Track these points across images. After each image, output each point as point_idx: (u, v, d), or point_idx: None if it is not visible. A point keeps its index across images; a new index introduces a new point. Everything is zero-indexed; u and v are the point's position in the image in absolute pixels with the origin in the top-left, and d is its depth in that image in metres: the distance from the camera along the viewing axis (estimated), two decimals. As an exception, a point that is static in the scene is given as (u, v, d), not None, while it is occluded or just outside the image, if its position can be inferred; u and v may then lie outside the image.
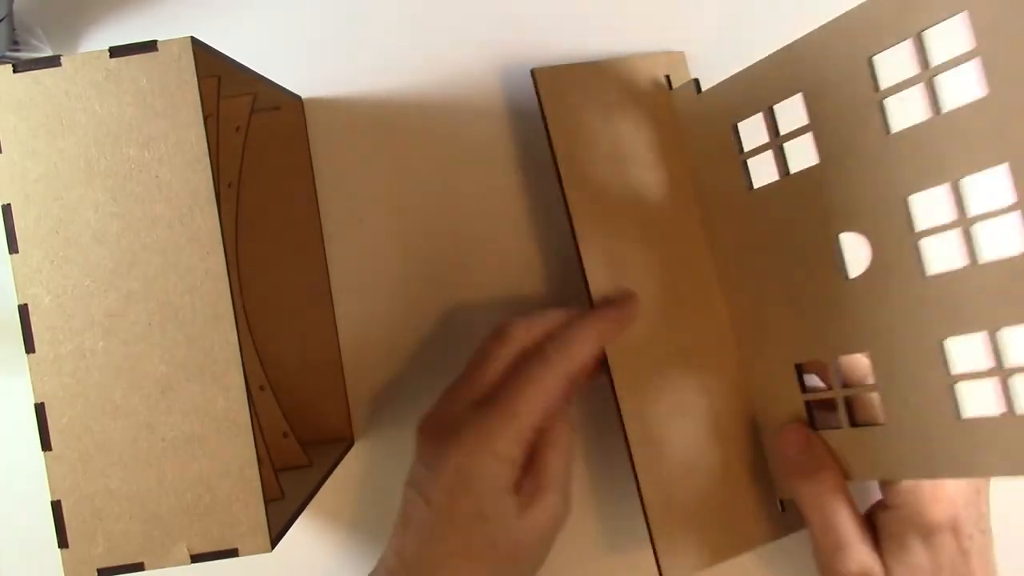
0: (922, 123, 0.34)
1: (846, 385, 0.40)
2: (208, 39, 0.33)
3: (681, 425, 0.43)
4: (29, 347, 0.32)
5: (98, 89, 0.32)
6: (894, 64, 0.35)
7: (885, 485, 0.40)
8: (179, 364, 0.32)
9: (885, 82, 0.35)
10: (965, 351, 0.35)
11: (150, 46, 0.32)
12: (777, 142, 0.41)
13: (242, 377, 0.32)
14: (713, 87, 0.44)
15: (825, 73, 0.37)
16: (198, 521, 0.32)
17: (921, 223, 0.35)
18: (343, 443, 0.49)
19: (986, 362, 0.33)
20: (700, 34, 0.49)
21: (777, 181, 0.41)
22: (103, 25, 0.50)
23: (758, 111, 0.41)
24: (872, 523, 0.41)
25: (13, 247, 0.32)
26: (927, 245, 0.35)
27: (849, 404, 0.40)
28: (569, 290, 0.49)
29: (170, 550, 0.32)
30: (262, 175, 0.47)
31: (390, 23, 0.50)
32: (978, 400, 0.35)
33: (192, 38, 0.32)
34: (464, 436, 0.37)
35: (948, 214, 0.34)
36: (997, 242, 0.33)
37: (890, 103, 0.36)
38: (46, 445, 0.32)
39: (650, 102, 0.47)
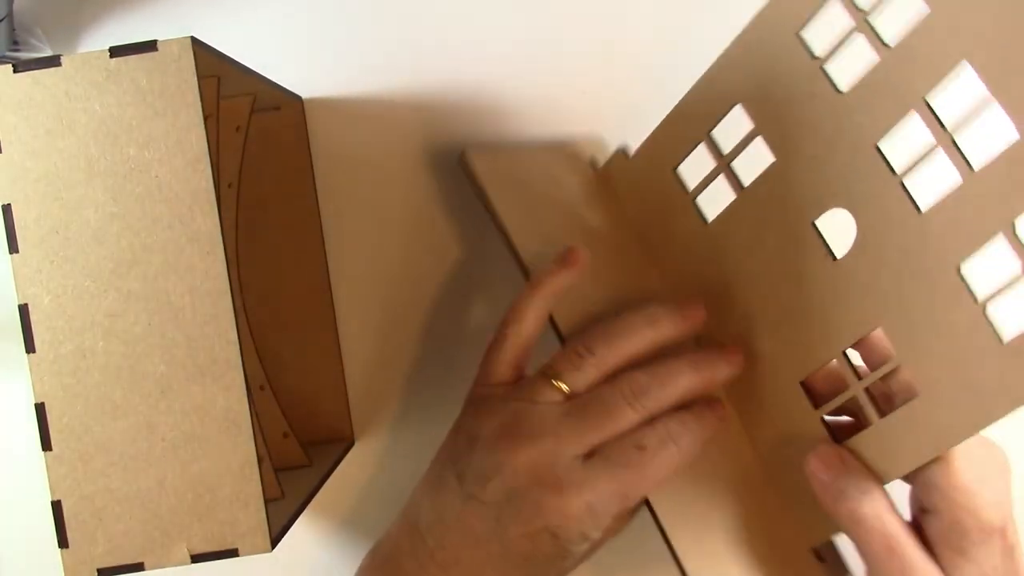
0: (873, 67, 0.34)
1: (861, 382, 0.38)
2: (208, 39, 0.33)
3: (697, 480, 0.41)
4: (29, 347, 0.32)
5: (98, 89, 0.32)
6: (818, 35, 0.37)
7: (926, 488, 0.37)
8: (179, 364, 0.32)
9: (820, 50, 0.36)
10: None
11: (150, 46, 0.32)
12: (724, 161, 0.40)
13: (242, 377, 0.32)
14: (642, 144, 0.44)
15: (757, 73, 0.38)
16: (198, 521, 0.32)
17: (897, 165, 0.35)
18: (343, 443, 0.49)
19: (1010, 269, 0.32)
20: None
21: (734, 201, 0.41)
22: (103, 25, 0.50)
23: (697, 143, 0.41)
24: (918, 532, 0.37)
25: (13, 247, 0.32)
26: (911, 184, 0.35)
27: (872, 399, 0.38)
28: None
29: (170, 550, 0.32)
30: (262, 175, 0.47)
31: (390, 23, 0.50)
32: (1012, 320, 0.33)
33: (192, 38, 0.32)
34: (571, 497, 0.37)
35: (921, 144, 0.34)
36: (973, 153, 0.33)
37: (830, 67, 0.36)
38: (46, 445, 0.32)
39: (579, 181, 0.46)
